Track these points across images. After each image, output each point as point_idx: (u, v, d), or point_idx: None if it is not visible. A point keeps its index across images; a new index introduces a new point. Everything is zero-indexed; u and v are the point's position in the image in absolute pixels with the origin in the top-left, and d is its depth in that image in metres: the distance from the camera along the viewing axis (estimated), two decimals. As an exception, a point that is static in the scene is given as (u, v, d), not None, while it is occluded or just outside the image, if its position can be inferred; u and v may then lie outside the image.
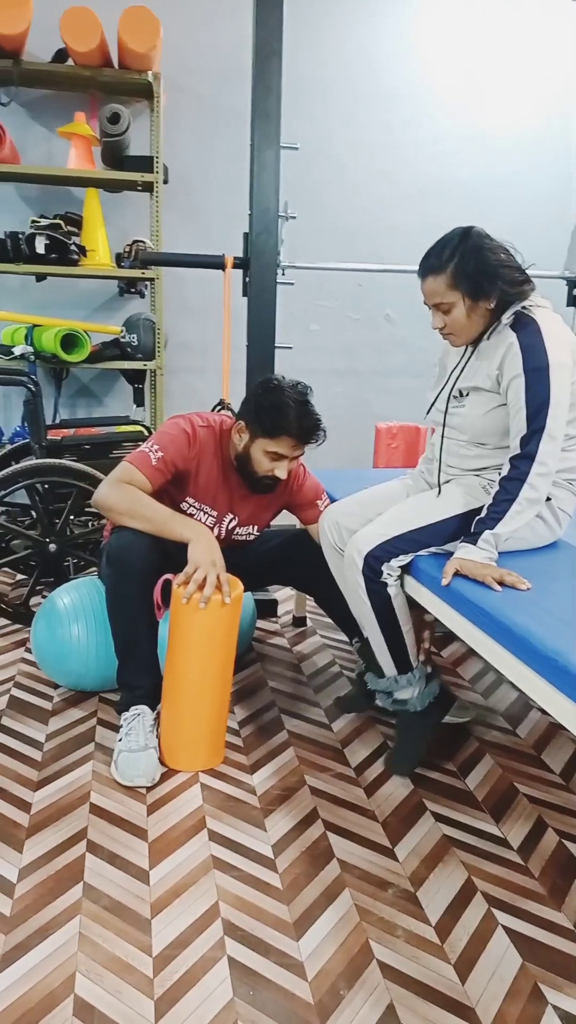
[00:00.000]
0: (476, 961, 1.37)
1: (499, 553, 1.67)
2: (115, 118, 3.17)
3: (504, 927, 1.45)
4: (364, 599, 1.79)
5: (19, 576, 3.21)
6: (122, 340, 3.46)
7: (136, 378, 3.65)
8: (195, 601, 1.79)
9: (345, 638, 2.53)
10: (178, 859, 1.60)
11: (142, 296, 3.73)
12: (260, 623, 2.87)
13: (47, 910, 1.44)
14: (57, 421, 3.54)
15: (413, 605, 1.85)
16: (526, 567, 1.63)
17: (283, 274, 2.89)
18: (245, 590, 2.31)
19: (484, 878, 1.58)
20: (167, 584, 1.89)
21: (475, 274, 1.70)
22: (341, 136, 3.86)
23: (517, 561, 1.69)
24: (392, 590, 1.78)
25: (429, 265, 1.76)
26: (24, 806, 1.75)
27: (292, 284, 2.92)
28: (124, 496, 1.91)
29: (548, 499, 1.77)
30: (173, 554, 1.89)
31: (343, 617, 2.11)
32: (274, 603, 2.96)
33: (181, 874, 1.55)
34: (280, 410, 1.91)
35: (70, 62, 3.22)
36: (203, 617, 1.82)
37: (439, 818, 1.77)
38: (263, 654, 2.62)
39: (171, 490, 2.06)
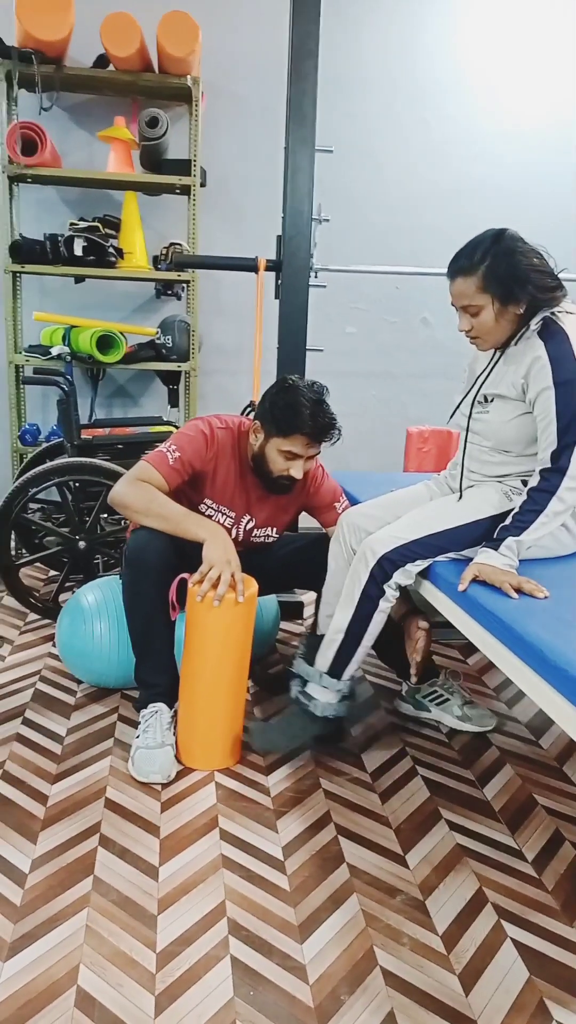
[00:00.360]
0: (482, 973, 1.35)
1: (519, 561, 1.65)
2: (153, 122, 3.20)
3: (513, 939, 1.43)
4: (355, 595, 1.77)
5: (52, 572, 3.27)
6: (157, 342, 3.49)
7: (171, 379, 3.68)
8: (209, 599, 1.80)
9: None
10: (188, 857, 1.61)
11: (178, 298, 3.76)
12: (285, 625, 2.87)
13: (56, 901, 1.46)
14: (92, 420, 3.59)
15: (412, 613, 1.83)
16: (546, 575, 1.61)
17: (315, 277, 2.89)
18: (265, 593, 2.32)
19: (496, 889, 1.55)
20: (183, 584, 1.90)
21: (506, 278, 1.68)
22: (379, 136, 3.84)
23: (538, 569, 1.66)
24: (384, 604, 1.77)
25: (459, 266, 1.74)
26: (41, 798, 1.78)
27: (324, 287, 2.92)
28: (141, 494, 1.93)
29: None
30: (190, 554, 1.90)
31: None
32: (300, 605, 2.96)
33: (190, 872, 1.56)
34: (294, 409, 1.92)
35: (111, 67, 3.26)
36: (217, 615, 1.83)
37: (453, 827, 1.75)
38: (287, 656, 2.62)
39: (189, 491, 2.08)
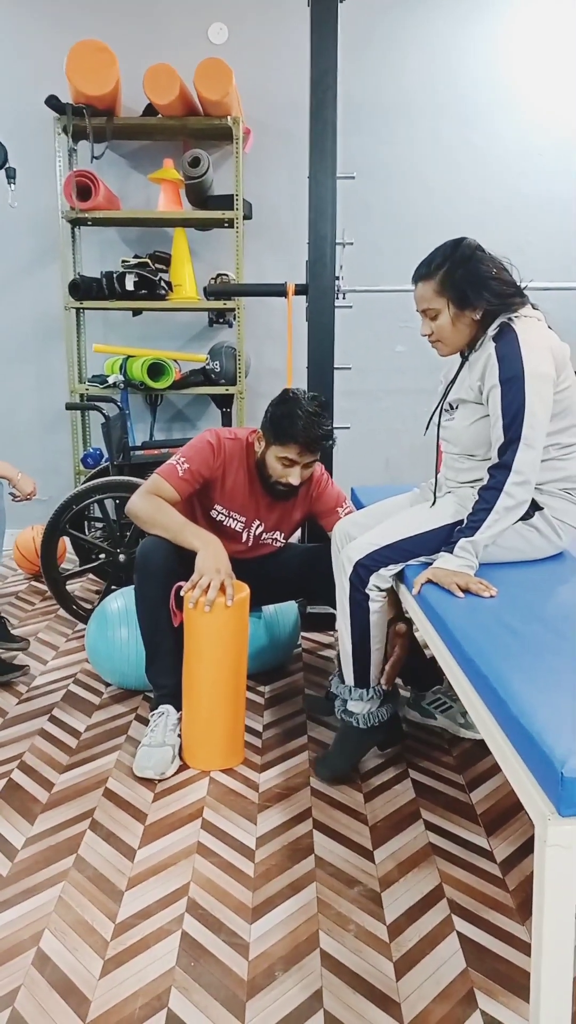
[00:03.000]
0: (418, 962, 1.39)
1: (495, 564, 1.69)
2: (195, 162, 3.41)
3: (459, 932, 1.45)
4: (345, 606, 1.85)
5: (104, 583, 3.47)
6: (207, 367, 3.68)
7: (223, 402, 3.86)
8: (201, 605, 1.92)
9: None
10: (166, 842, 1.71)
11: (230, 325, 3.95)
12: (315, 636, 2.95)
13: (38, 874, 1.60)
14: (142, 443, 3.79)
15: (396, 617, 1.87)
16: (515, 578, 1.64)
17: (343, 298, 2.99)
18: (274, 601, 2.42)
19: (455, 886, 1.58)
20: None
21: (461, 282, 1.74)
22: (425, 157, 3.91)
23: (508, 572, 1.69)
24: (373, 605, 1.82)
25: (420, 272, 1.83)
26: (48, 785, 1.93)
27: (350, 307, 3.01)
28: (148, 505, 2.08)
29: (540, 508, 1.75)
30: (192, 561, 2.03)
31: None
32: (332, 616, 3.02)
33: (165, 855, 1.67)
34: (290, 419, 2.03)
35: (160, 115, 3.51)
36: (209, 620, 1.94)
37: (430, 827, 1.78)
38: (310, 664, 2.69)
39: (201, 498, 2.22)
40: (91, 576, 3.52)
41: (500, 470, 1.64)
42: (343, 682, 1.98)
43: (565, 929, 0.94)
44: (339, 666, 2.05)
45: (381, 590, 1.84)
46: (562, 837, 0.92)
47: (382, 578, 1.81)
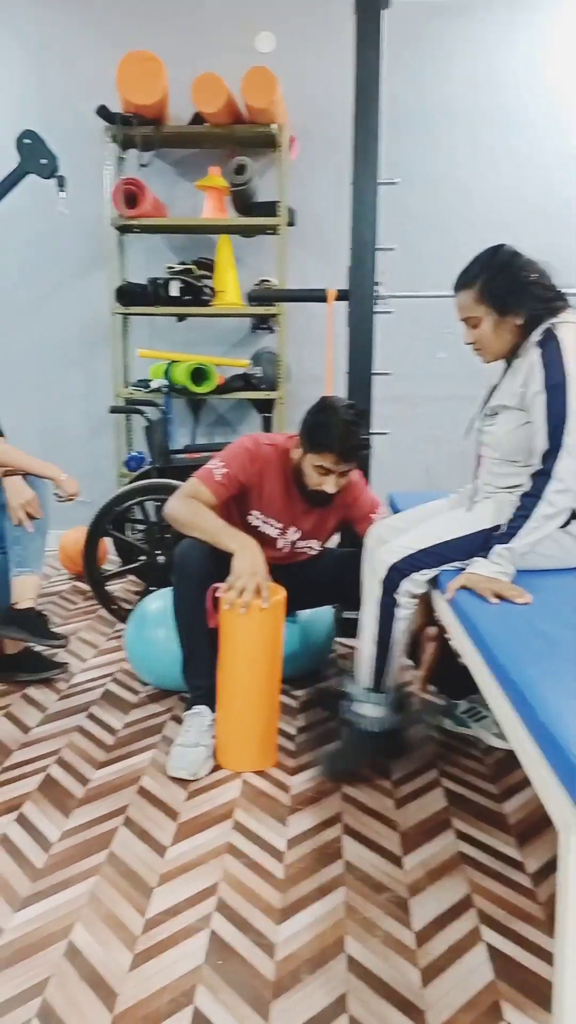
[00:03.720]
0: (445, 970, 1.38)
1: (530, 571, 1.68)
2: (240, 169, 3.45)
3: (487, 943, 1.44)
4: (374, 609, 1.84)
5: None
6: (248, 373, 3.72)
7: (264, 408, 3.89)
8: (236, 607, 1.94)
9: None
10: (197, 841, 1.73)
11: (272, 331, 3.98)
12: (351, 641, 2.94)
13: (72, 867, 1.64)
14: (184, 446, 3.83)
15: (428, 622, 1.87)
16: (550, 585, 1.63)
17: (384, 304, 2.99)
18: (307, 606, 2.43)
19: (485, 896, 1.57)
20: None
21: (502, 289, 1.74)
22: (467, 163, 3.89)
23: (543, 579, 1.68)
24: (401, 612, 1.82)
25: (460, 281, 1.83)
26: (83, 781, 1.97)
27: (391, 312, 3.01)
28: (186, 509, 2.11)
29: (581, 517, 1.73)
30: (229, 563, 2.05)
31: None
32: (368, 622, 3.02)
33: (195, 854, 1.69)
34: (327, 428, 2.04)
35: (206, 124, 3.56)
36: (245, 622, 1.96)
37: (461, 835, 1.77)
38: (344, 670, 2.69)
39: (238, 503, 2.24)
40: (132, 577, 3.58)
41: (541, 477, 1.63)
42: (355, 683, 1.97)
43: (589, 940, 0.93)
44: (355, 665, 2.04)
45: (412, 596, 1.83)
46: (587, 847, 0.91)
47: (416, 583, 1.81)
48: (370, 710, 1.93)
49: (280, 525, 2.26)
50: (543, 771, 1.05)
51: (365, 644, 1.92)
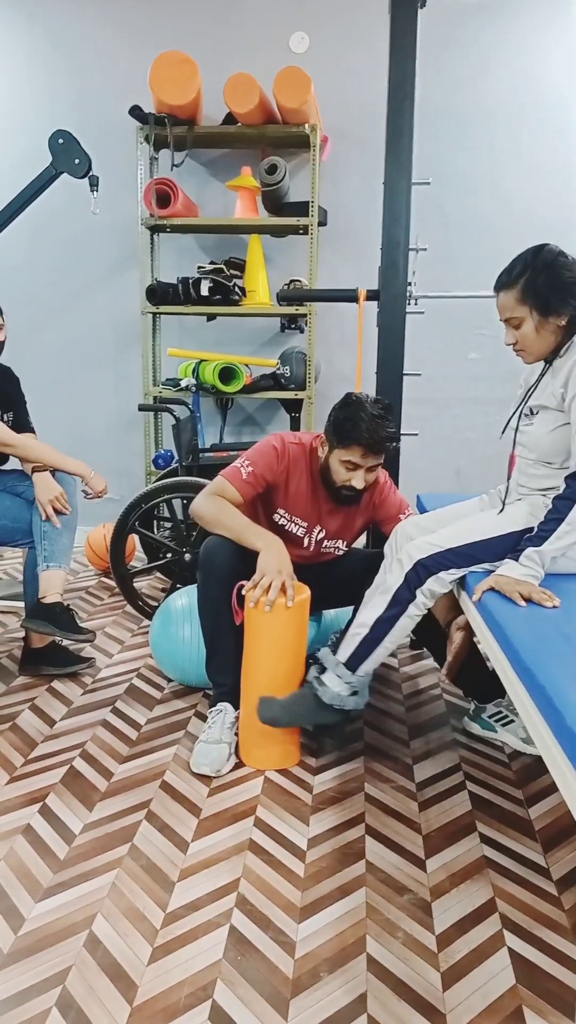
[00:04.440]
0: (466, 974, 1.36)
1: (561, 575, 1.66)
2: (272, 169, 3.46)
3: (510, 948, 1.42)
4: (388, 595, 1.82)
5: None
6: (277, 372, 3.72)
7: (292, 407, 3.88)
8: (261, 605, 1.94)
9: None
10: (219, 837, 1.73)
11: (301, 331, 3.97)
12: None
13: (94, 860, 1.65)
14: (211, 445, 3.84)
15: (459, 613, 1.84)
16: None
17: (415, 304, 2.98)
18: (332, 606, 2.42)
19: (509, 901, 1.55)
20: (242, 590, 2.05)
21: (544, 289, 1.72)
22: (504, 163, 3.85)
23: (573, 583, 1.66)
24: (412, 609, 1.80)
25: (502, 281, 1.81)
26: (107, 774, 1.98)
27: (422, 313, 2.99)
28: (212, 506, 2.11)
29: (612, 521, 1.70)
30: (255, 561, 2.05)
31: (428, 638, 2.14)
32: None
33: (217, 850, 1.69)
34: (353, 421, 2.02)
35: (239, 124, 3.57)
36: (270, 620, 1.95)
37: (485, 840, 1.75)
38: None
39: (264, 502, 2.24)
40: (158, 574, 3.60)
41: None
42: (333, 653, 1.95)
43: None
44: (339, 637, 2.03)
45: (433, 595, 1.81)
46: (614, 851, 0.89)
47: (441, 582, 1.79)
48: (334, 683, 1.91)
49: (306, 524, 2.26)
50: (569, 776, 1.03)
51: (359, 624, 1.90)
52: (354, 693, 1.93)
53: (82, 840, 1.71)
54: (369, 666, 1.90)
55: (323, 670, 1.94)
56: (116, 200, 3.82)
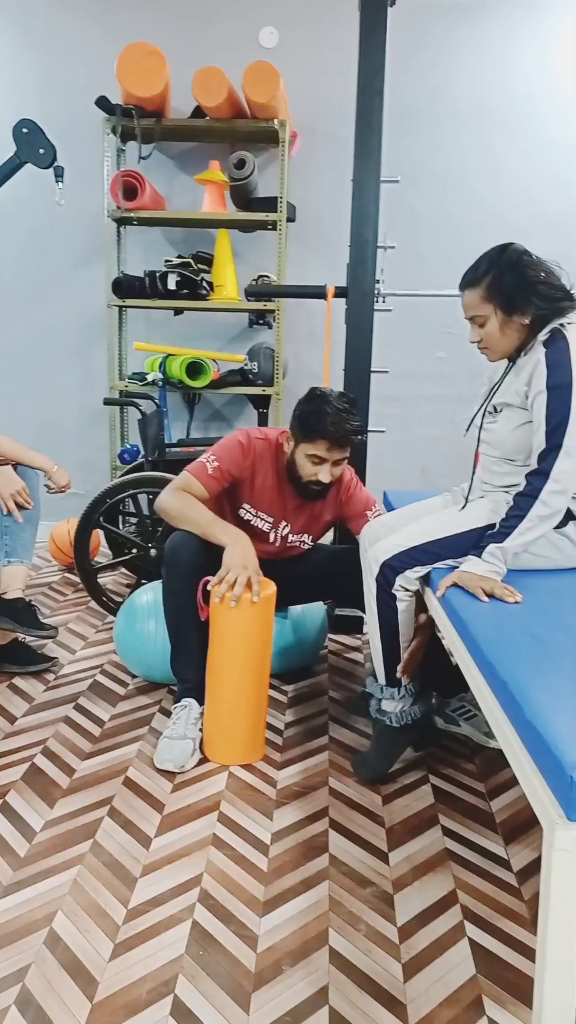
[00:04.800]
0: (427, 965, 1.38)
1: (524, 571, 1.68)
2: (240, 164, 3.44)
3: (470, 939, 1.44)
4: (373, 606, 1.85)
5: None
6: (245, 368, 3.71)
7: (260, 403, 3.88)
8: (227, 600, 1.93)
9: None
10: (182, 832, 1.73)
11: (270, 327, 3.97)
12: (343, 638, 2.95)
13: (55, 856, 1.63)
14: (177, 440, 3.82)
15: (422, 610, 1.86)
16: (543, 585, 1.63)
17: (383, 301, 2.99)
18: (301, 601, 2.43)
19: (470, 893, 1.56)
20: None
21: (509, 288, 1.73)
22: (474, 163, 3.87)
23: (536, 579, 1.68)
24: (401, 604, 1.81)
25: (466, 279, 1.82)
26: (69, 771, 1.96)
27: (390, 311, 3.01)
28: (178, 502, 2.10)
29: (575, 518, 1.73)
30: (220, 556, 2.05)
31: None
32: (359, 619, 3.02)
33: (180, 845, 1.68)
34: (318, 415, 2.03)
35: (208, 118, 3.55)
36: (235, 615, 1.95)
37: (447, 832, 1.76)
38: (335, 666, 2.69)
39: (230, 497, 2.23)
40: (124, 570, 3.57)
41: (538, 477, 1.62)
42: (376, 681, 1.98)
43: (570, 935, 0.92)
44: (373, 664, 2.04)
45: (407, 591, 1.83)
46: (569, 842, 0.91)
47: (408, 580, 1.81)
48: (392, 706, 1.93)
49: (271, 519, 2.26)
50: (528, 769, 1.05)
51: (373, 640, 1.92)
52: (414, 701, 1.93)
53: (43, 837, 1.69)
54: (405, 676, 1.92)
55: (379, 701, 1.95)
56: (82, 192, 3.78)
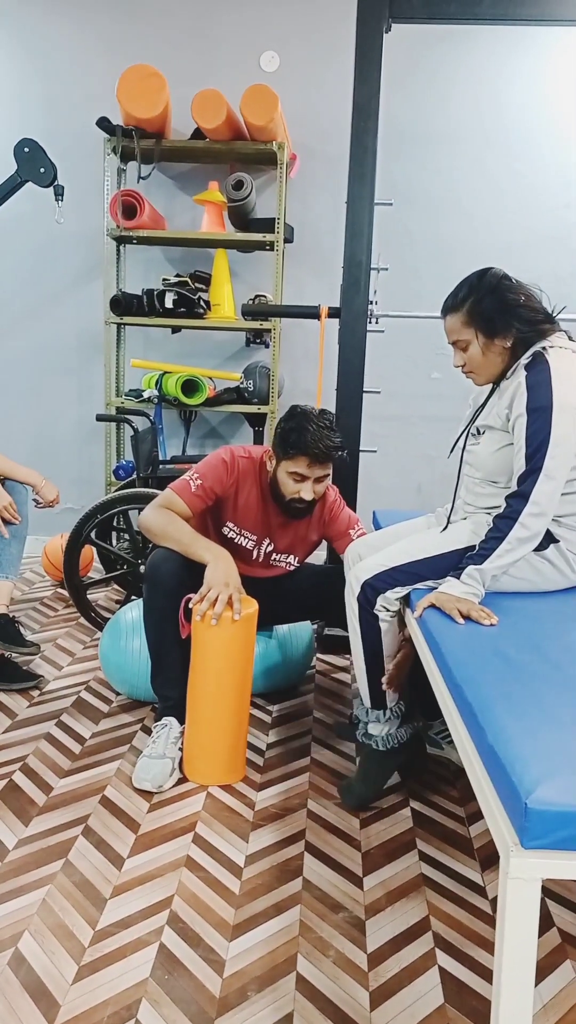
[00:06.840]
0: (395, 993, 1.36)
1: (504, 593, 1.68)
2: (238, 185, 3.48)
3: (441, 967, 1.42)
4: (356, 626, 1.84)
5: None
6: (240, 386, 3.72)
7: (256, 421, 3.89)
8: (208, 618, 1.93)
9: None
10: (156, 853, 1.71)
11: (267, 346, 3.99)
12: (330, 658, 2.93)
13: (26, 876, 1.61)
14: (171, 457, 3.84)
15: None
16: (521, 608, 1.62)
17: (376, 322, 3.00)
18: (286, 621, 2.42)
19: (443, 919, 1.54)
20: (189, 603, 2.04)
21: (489, 312, 1.74)
22: (468, 185, 3.91)
23: (515, 602, 1.67)
24: (383, 624, 1.81)
25: (447, 304, 1.83)
26: (47, 788, 1.95)
27: (382, 331, 3.02)
28: (160, 519, 2.10)
29: (556, 541, 1.72)
30: (202, 574, 2.04)
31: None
32: (348, 639, 3.00)
33: (152, 866, 1.67)
34: (298, 432, 2.04)
35: (208, 139, 3.59)
36: (216, 633, 1.94)
37: (424, 858, 1.74)
38: (321, 686, 2.68)
39: (214, 515, 2.23)
40: (116, 586, 3.57)
41: (517, 499, 1.62)
42: (362, 704, 1.96)
43: (525, 964, 0.91)
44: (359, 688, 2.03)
45: (389, 611, 1.83)
46: (524, 870, 0.89)
47: (389, 600, 1.80)
48: (378, 729, 1.91)
49: (255, 537, 2.26)
50: (488, 793, 1.04)
51: (357, 662, 1.91)
52: (400, 723, 1.92)
53: (15, 855, 1.68)
54: (390, 694, 1.90)
55: (365, 724, 1.93)
56: (82, 210, 3.82)
